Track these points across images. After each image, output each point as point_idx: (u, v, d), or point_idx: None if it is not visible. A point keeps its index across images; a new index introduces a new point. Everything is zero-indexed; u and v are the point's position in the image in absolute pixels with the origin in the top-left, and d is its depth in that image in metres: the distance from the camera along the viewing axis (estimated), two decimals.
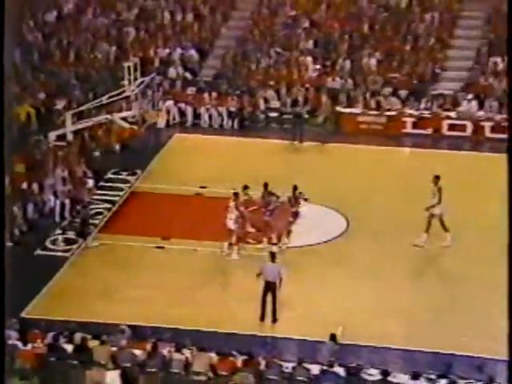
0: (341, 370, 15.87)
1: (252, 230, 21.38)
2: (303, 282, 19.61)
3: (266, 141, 27.07)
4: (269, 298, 18.24)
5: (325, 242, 21.49)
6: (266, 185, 21.33)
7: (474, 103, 27.78)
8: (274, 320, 18.36)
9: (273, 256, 18.44)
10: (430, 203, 20.79)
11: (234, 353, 16.30)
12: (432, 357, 16.91)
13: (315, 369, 15.92)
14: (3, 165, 7.72)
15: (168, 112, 28.51)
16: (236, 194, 20.82)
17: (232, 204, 20.73)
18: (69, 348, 16.45)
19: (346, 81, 29.06)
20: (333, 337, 16.65)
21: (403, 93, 28.46)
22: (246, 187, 21.31)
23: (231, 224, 20.66)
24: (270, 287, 18.15)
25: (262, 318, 18.30)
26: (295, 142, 26.93)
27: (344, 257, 20.82)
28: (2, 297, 7.49)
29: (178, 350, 16.32)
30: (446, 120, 27.46)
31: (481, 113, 27.62)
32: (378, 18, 30.71)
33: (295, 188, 21.25)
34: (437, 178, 20.93)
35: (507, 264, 5.26)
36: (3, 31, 7.56)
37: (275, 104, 28.77)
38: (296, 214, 21.42)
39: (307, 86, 28.93)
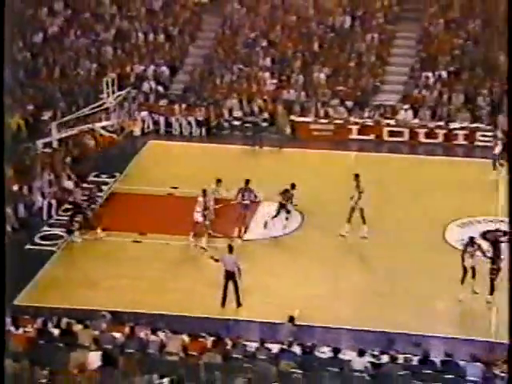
0: (298, 349, 15.76)
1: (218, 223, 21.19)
2: (264, 270, 19.52)
3: (230, 146, 26.94)
4: (231, 286, 18.11)
5: (283, 235, 21.38)
6: (247, 181, 21.10)
7: (410, 112, 27.84)
8: (238, 305, 18.20)
9: (230, 248, 18.28)
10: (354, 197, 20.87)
11: (204, 335, 16.13)
12: (376, 335, 16.92)
13: (275, 348, 15.80)
14: (3, 167, 7.35)
15: (143, 121, 28.31)
16: (204, 191, 20.59)
17: (200, 199, 20.57)
18: (56, 332, 16.24)
19: (300, 93, 28.99)
20: (291, 319, 16.54)
21: (349, 103, 28.45)
22: (219, 181, 21.29)
23: (198, 217, 20.53)
24: (230, 275, 18.04)
25: (223, 304, 18.15)
26: (255, 147, 26.83)
27: (300, 248, 20.77)
28: (2, 297, 7.15)
29: (154, 333, 16.12)
30: (386, 127, 27.48)
31: (415, 121, 27.67)
32: (325, 38, 30.66)
33: (247, 182, 21.08)
34: (356, 176, 21.00)
35: (507, 263, 5.08)
36: (3, 33, 7.10)
37: (238, 114, 28.63)
38: (247, 207, 21.23)
39: (265, 97, 28.84)
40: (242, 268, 18.19)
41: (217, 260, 18.49)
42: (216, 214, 21.72)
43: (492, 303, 18.13)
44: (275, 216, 21.39)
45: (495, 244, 18.87)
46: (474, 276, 18.38)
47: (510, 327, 5.08)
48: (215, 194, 21.49)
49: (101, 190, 23.54)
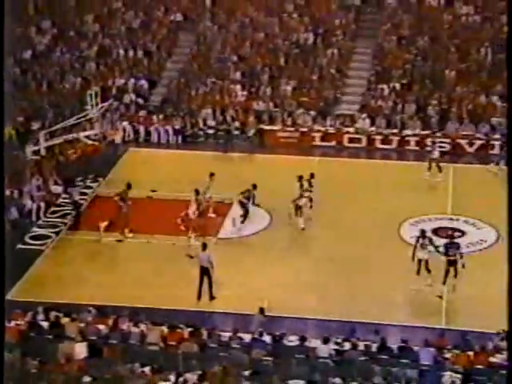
0: (268, 338, 15.69)
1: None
2: (237, 266, 19.43)
3: (205, 153, 26.79)
4: (206, 280, 17.98)
5: (253, 233, 21.30)
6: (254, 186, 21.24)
7: (367, 121, 27.87)
8: (211, 298, 18.07)
9: (204, 246, 18.21)
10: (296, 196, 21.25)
11: (182, 326, 16.00)
12: (339, 324, 16.87)
13: (247, 337, 15.71)
14: (3, 168, 7.07)
15: (124, 130, 28.07)
16: (196, 190, 20.76)
17: (194, 198, 20.66)
18: (45, 325, 16.02)
19: (268, 104, 28.91)
20: (261, 310, 16.46)
21: (312, 113, 28.42)
22: (212, 174, 21.54)
23: (191, 215, 20.56)
24: (204, 271, 17.92)
25: (199, 297, 18.03)
26: (228, 154, 26.70)
27: (269, 245, 20.68)
28: (2, 295, 6.86)
29: (135, 325, 15.96)
30: (346, 134, 27.48)
31: (372, 128, 27.72)
32: (291, 54, 30.61)
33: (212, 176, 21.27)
34: (300, 177, 21.37)
35: (507, 262, 5.01)
36: (3, 35, 6.78)
37: (211, 123, 28.49)
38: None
39: (237, 108, 28.73)
40: (217, 264, 18.06)
41: (192, 257, 18.35)
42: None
43: (447, 291, 18.17)
44: (243, 215, 21.32)
45: (449, 239, 18.94)
46: (427, 268, 18.42)
47: (509, 318, 5.07)
48: (208, 189, 21.39)
49: (85, 194, 23.34)
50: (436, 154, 24.56)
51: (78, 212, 21.80)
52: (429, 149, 25.15)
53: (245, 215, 21.49)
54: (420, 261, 18.40)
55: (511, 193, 4.84)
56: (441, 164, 24.23)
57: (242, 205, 21.45)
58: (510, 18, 6.32)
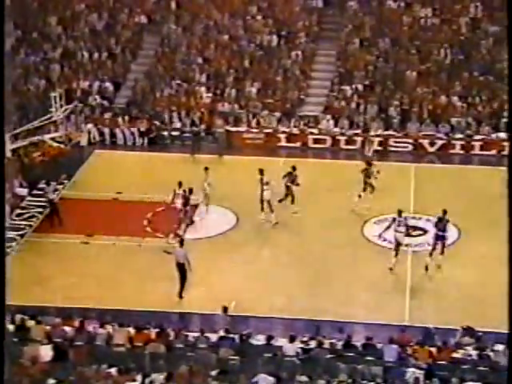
0: (235, 337, 15.62)
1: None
2: (204, 266, 19.28)
3: (171, 155, 26.64)
4: (180, 277, 18.03)
5: (220, 234, 21.22)
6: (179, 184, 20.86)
7: (331, 122, 27.97)
8: (181, 296, 18.07)
9: (181, 242, 18.31)
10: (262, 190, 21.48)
11: (148, 327, 15.86)
12: (305, 323, 16.88)
13: (214, 337, 15.63)
14: (3, 167, 6.78)
15: (89, 133, 27.78)
16: (180, 182, 20.88)
17: (179, 192, 20.93)
18: (11, 328, 15.72)
19: (233, 105, 28.85)
20: (225, 309, 16.41)
21: (277, 114, 28.43)
22: (206, 168, 21.90)
23: (179, 207, 20.88)
24: (180, 267, 17.93)
25: (179, 295, 18.14)
26: (194, 155, 26.58)
27: (235, 245, 20.62)
28: (3, 297, 6.63)
29: (102, 326, 15.78)
30: (311, 135, 27.54)
31: (336, 129, 27.82)
32: (255, 56, 30.60)
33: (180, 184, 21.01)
34: (261, 171, 21.53)
35: (507, 261, 4.95)
36: (3, 33, 6.51)
37: (177, 125, 28.33)
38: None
39: (202, 110, 28.62)
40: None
41: (169, 253, 18.36)
42: (158, 215, 21.46)
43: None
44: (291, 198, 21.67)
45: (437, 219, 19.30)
46: (397, 250, 18.95)
47: (510, 318, 5.06)
48: (207, 181, 21.64)
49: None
50: (370, 152, 24.88)
51: (54, 210, 21.44)
52: (400, 149, 25.45)
53: (292, 197, 21.72)
54: (397, 242, 18.95)
55: (511, 193, 4.87)
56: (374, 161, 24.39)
57: (288, 188, 21.60)
58: (510, 17, 6.32)
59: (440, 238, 18.91)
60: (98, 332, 15.62)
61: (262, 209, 21.43)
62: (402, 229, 19.14)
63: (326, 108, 28.69)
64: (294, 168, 22.04)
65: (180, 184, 21.02)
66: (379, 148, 26.97)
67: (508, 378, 4.84)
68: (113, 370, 14.30)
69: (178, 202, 20.91)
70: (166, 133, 28.07)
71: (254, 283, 18.63)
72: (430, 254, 19.00)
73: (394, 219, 19.27)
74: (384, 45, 30.32)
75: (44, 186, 23.25)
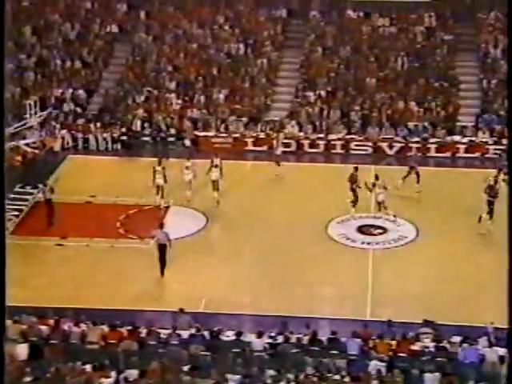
0: (206, 334, 15.57)
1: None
2: (175, 266, 19.20)
3: (142, 159, 26.42)
4: (161, 257, 18.41)
5: (189, 234, 21.12)
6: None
7: (296, 126, 28.04)
8: (162, 274, 18.45)
9: (161, 225, 18.84)
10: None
11: (121, 325, 15.72)
12: (272, 319, 16.85)
13: (185, 334, 15.56)
14: (3, 167, 6.56)
15: (63, 138, 27.50)
16: (159, 161, 22.21)
17: (159, 168, 22.02)
18: None
19: (202, 111, 28.77)
20: (181, 310, 16.34)
21: (244, 119, 28.43)
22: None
23: (159, 181, 21.96)
24: (161, 248, 18.27)
25: (161, 273, 18.57)
26: (165, 160, 26.33)
27: (205, 245, 20.58)
28: (3, 297, 6.45)
29: (76, 325, 15.61)
30: (276, 139, 27.45)
31: (300, 133, 27.88)
32: (223, 63, 30.56)
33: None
34: (215, 155, 22.81)
35: (507, 260, 4.92)
36: (3, 32, 6.30)
37: (148, 131, 28.16)
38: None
39: (172, 116, 28.48)
40: (158, 264, 17.88)
41: (153, 237, 18.71)
42: (131, 217, 21.33)
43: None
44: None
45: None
46: (379, 207, 20.91)
47: (510, 318, 5.03)
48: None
49: (26, 200, 22.73)
50: (279, 151, 25.15)
51: (50, 210, 21.10)
52: (362, 152, 25.67)
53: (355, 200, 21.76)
54: (380, 203, 20.86)
55: (511, 193, 4.88)
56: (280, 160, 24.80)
57: (352, 190, 21.72)
58: (510, 18, 6.26)
59: (491, 203, 20.07)
60: (73, 330, 15.45)
61: (214, 188, 22.20)
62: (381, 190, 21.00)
63: (290, 113, 28.76)
64: (355, 169, 22.09)
65: (159, 162, 22.13)
66: (341, 151, 27.12)
67: (508, 377, 4.83)
68: (87, 367, 14.16)
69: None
70: (137, 138, 27.89)
71: (224, 281, 18.58)
72: (479, 221, 20.38)
73: (374, 184, 21.12)
74: (345, 53, 30.50)
75: (20, 189, 23.01)
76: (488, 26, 30.75)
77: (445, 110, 28.17)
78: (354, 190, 21.73)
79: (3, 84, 6.60)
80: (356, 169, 22.18)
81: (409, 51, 30.11)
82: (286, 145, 27.40)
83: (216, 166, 22.41)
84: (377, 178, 21.66)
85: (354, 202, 21.70)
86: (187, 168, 22.61)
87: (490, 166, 24.39)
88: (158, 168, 22.35)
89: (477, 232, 20.55)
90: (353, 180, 21.88)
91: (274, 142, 25.78)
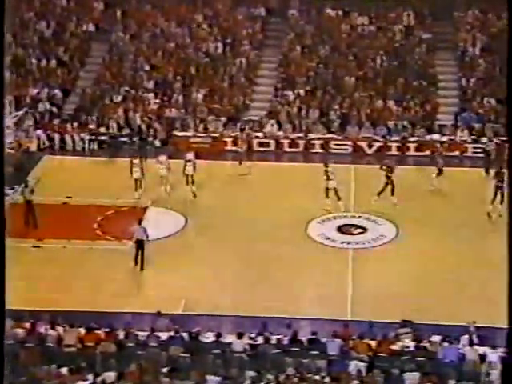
0: (185, 335, 15.50)
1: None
2: (154, 267, 19.12)
3: (119, 159, 26.21)
4: (139, 253, 18.61)
5: (169, 235, 21.02)
6: None
7: (275, 126, 28.02)
8: (142, 269, 18.61)
9: (140, 221, 19.06)
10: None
11: (98, 327, 15.61)
12: (252, 320, 16.81)
13: (164, 336, 15.48)
14: (3, 167, 6.43)
15: (39, 138, 27.24)
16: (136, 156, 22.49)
17: (136, 161, 22.58)
18: None
19: (180, 111, 28.66)
20: (158, 313, 16.27)
21: (223, 119, 28.36)
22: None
23: (137, 175, 22.43)
24: (139, 243, 18.47)
25: (136, 264, 18.79)
26: (143, 160, 26.19)
27: (184, 246, 20.47)
28: (3, 298, 6.33)
29: (53, 328, 15.46)
30: (256, 139, 27.52)
31: (280, 133, 27.87)
32: (201, 63, 30.47)
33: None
34: (188, 150, 23.43)
35: (507, 261, 4.89)
36: (3, 31, 6.19)
37: (126, 130, 28.00)
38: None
39: (150, 115, 28.34)
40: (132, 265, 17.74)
41: (130, 237, 18.90)
42: (108, 219, 21.19)
43: None
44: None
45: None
46: (337, 195, 21.58)
47: (510, 313, 5.02)
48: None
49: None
50: (243, 148, 25.35)
51: (31, 210, 20.87)
52: (342, 152, 25.81)
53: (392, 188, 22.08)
54: (327, 189, 21.38)
55: (511, 193, 4.89)
56: (246, 160, 25.01)
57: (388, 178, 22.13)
58: (510, 18, 6.24)
59: (499, 188, 20.81)
60: (49, 333, 15.31)
61: (187, 183, 22.59)
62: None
63: (269, 112, 28.74)
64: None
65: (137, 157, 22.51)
66: (321, 151, 27.15)
67: (507, 377, 4.82)
68: (64, 370, 14.04)
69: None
70: (114, 138, 27.72)
71: (203, 282, 18.51)
72: (492, 203, 20.92)
73: (326, 171, 21.74)
74: (324, 52, 30.54)
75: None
76: (466, 25, 30.97)
77: (424, 108, 28.32)
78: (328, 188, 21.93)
79: (3, 84, 6.50)
80: (326, 165, 22.27)
81: (388, 50, 30.23)
82: (265, 144, 27.43)
83: (189, 161, 22.81)
84: (326, 165, 22.03)
85: (338, 198, 21.85)
86: (161, 163, 22.90)
87: (469, 165, 24.60)
88: (136, 161, 22.60)
89: (489, 215, 21.21)
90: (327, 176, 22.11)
91: (239, 140, 25.76)
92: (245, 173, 24.60)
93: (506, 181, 20.66)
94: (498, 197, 21.09)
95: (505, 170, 20.98)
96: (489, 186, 23.04)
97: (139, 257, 18.85)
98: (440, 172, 23.38)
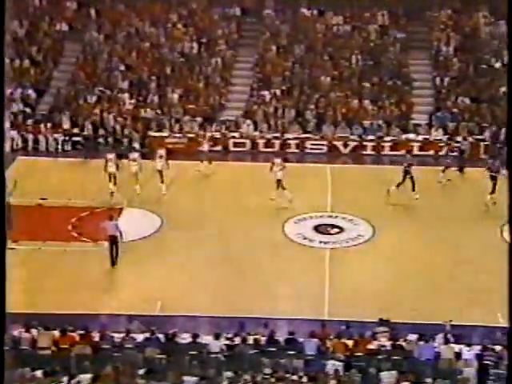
0: (161, 337, 15.42)
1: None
2: (130, 268, 19.00)
3: (94, 160, 25.96)
4: (114, 248, 18.64)
5: (145, 236, 20.89)
6: None
7: (251, 126, 28.00)
8: (114, 264, 18.72)
9: (111, 217, 19.03)
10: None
11: (73, 329, 15.46)
12: (229, 320, 16.77)
13: (140, 337, 15.38)
14: (3, 166, 6.29)
15: (12, 139, 26.94)
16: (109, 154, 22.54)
17: (111, 156, 22.68)
18: None
19: (156, 111, 28.52)
20: (132, 319, 16.19)
21: (199, 119, 28.27)
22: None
23: (112, 169, 22.51)
24: (113, 239, 18.49)
25: (113, 264, 18.82)
26: (117, 157, 26.03)
27: (160, 247, 20.34)
28: (3, 299, 6.20)
29: (27, 331, 15.29)
30: (232, 139, 27.47)
31: (256, 133, 27.85)
32: (176, 63, 30.35)
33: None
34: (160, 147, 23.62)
35: (507, 261, 4.89)
36: (3, 30, 6.06)
37: (102, 131, 27.78)
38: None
39: (125, 116, 28.17)
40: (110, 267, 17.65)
41: (103, 227, 18.87)
42: (83, 220, 21.02)
43: None
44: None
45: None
46: (283, 187, 21.70)
47: (510, 316, 5.02)
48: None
49: None
50: (206, 147, 25.49)
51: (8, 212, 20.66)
52: (317, 151, 25.95)
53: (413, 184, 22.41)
54: (279, 181, 21.69)
55: (511, 194, 4.88)
56: (212, 160, 25.05)
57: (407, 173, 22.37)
58: (510, 19, 6.20)
59: (494, 178, 21.53)
60: (23, 336, 15.14)
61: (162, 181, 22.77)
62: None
63: (245, 112, 28.71)
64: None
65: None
66: (296, 150, 27.18)
67: (508, 377, 4.80)
68: (38, 373, 13.88)
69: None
70: (88, 139, 27.50)
71: (180, 283, 18.43)
72: (490, 193, 21.56)
73: (273, 163, 22.19)
74: (299, 51, 30.58)
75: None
76: (439, 24, 31.20)
77: (398, 108, 28.48)
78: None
79: (3, 84, 6.40)
80: (285, 160, 22.85)
81: (363, 50, 30.35)
82: (241, 144, 27.40)
83: (161, 157, 22.97)
84: (273, 162, 22.53)
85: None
86: (133, 160, 23.03)
87: (444, 164, 24.76)
88: (110, 156, 22.65)
89: (484, 204, 21.77)
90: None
91: (202, 140, 25.81)
92: (209, 172, 24.60)
93: (500, 172, 21.37)
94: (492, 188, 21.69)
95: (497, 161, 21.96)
96: (463, 185, 23.25)
97: (113, 252, 18.84)
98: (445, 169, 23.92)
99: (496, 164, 21.97)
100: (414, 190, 22.45)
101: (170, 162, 23.46)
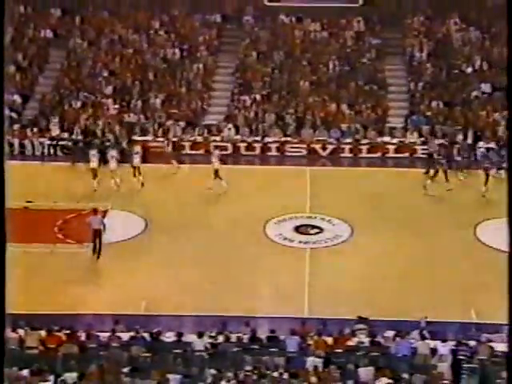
0: (146, 336, 15.37)
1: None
2: (114, 269, 18.93)
3: (80, 164, 25.80)
4: (97, 242, 18.91)
5: (130, 238, 20.81)
6: None
7: (232, 130, 27.99)
8: (98, 257, 18.95)
9: (95, 211, 19.33)
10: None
11: (59, 329, 15.38)
12: (213, 319, 16.77)
13: (126, 336, 15.33)
14: (3, 166, 6.21)
15: None
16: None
17: (94, 152, 23.64)
18: None
19: (139, 116, 28.43)
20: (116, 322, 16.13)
21: (182, 124, 28.21)
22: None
23: (94, 164, 23.33)
24: (96, 233, 18.77)
25: (94, 254, 19.10)
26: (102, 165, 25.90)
27: (144, 248, 20.27)
28: (3, 301, 6.13)
29: (14, 331, 15.17)
30: (213, 143, 27.42)
31: (237, 137, 27.85)
32: (159, 68, 30.27)
33: None
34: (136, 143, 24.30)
35: (507, 263, 4.90)
36: (3, 30, 6.00)
37: (85, 136, 27.60)
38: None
39: (109, 121, 28.04)
40: (97, 268, 17.51)
41: (88, 222, 19.25)
42: (69, 222, 20.91)
43: None
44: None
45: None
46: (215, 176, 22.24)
47: (510, 310, 5.04)
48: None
49: None
50: (169, 149, 25.86)
51: None
52: (296, 154, 26.21)
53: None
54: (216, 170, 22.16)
55: (511, 194, 4.89)
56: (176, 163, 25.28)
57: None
58: (510, 20, 6.15)
59: (487, 169, 22.55)
60: (10, 336, 15.01)
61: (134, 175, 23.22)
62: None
63: (227, 117, 28.70)
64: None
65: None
66: (277, 153, 27.22)
67: (508, 376, 4.82)
68: (25, 372, 13.79)
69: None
70: (74, 144, 27.34)
71: (163, 283, 18.39)
72: (485, 185, 22.28)
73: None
74: (279, 57, 30.64)
75: None
76: (413, 31, 31.41)
77: (375, 111, 28.62)
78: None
79: (3, 83, 6.34)
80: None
81: (340, 55, 30.46)
82: (223, 148, 27.38)
83: (137, 153, 23.58)
84: (215, 147, 23.69)
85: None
86: (112, 157, 23.55)
87: (419, 166, 24.94)
88: (93, 152, 23.19)
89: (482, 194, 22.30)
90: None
91: (166, 142, 26.11)
92: (173, 172, 25.00)
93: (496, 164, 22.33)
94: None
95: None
96: (439, 186, 23.41)
97: (97, 246, 19.01)
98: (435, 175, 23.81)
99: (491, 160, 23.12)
100: (447, 180, 23.22)
101: (154, 165, 23.39)
